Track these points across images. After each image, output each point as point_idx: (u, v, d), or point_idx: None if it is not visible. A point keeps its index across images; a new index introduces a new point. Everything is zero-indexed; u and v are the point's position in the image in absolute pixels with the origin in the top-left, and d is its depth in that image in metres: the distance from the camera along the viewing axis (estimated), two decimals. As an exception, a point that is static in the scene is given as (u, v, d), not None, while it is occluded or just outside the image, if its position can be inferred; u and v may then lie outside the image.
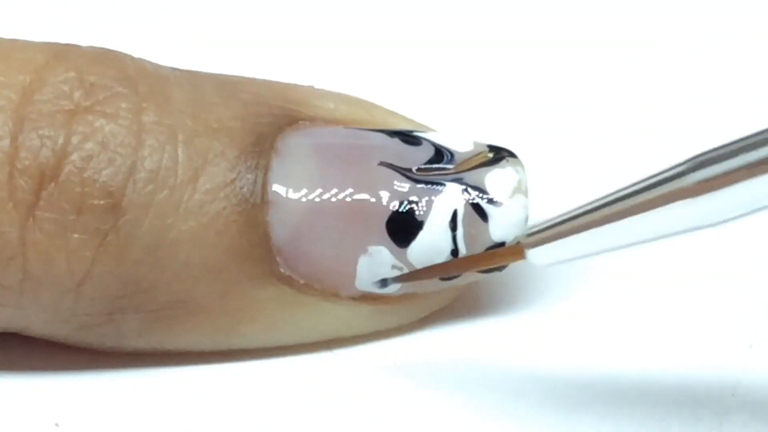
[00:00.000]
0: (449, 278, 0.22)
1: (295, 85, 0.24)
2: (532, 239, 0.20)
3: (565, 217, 0.19)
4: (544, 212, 0.23)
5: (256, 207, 0.22)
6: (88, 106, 0.21)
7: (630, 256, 0.24)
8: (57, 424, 0.21)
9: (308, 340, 0.23)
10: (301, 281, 0.22)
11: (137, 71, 0.22)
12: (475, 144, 0.23)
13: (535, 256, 0.20)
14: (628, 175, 0.26)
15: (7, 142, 0.21)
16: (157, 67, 0.23)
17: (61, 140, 0.21)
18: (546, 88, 0.29)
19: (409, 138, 0.23)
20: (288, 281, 0.22)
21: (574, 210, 0.19)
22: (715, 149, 0.18)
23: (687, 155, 0.18)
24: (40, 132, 0.21)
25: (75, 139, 0.21)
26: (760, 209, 0.17)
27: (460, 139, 0.23)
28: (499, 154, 0.23)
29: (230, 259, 0.22)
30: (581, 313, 0.24)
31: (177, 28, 0.32)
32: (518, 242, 0.21)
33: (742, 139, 0.17)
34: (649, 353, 0.23)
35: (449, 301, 0.23)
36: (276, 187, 0.22)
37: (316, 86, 0.24)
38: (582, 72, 0.30)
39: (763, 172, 0.17)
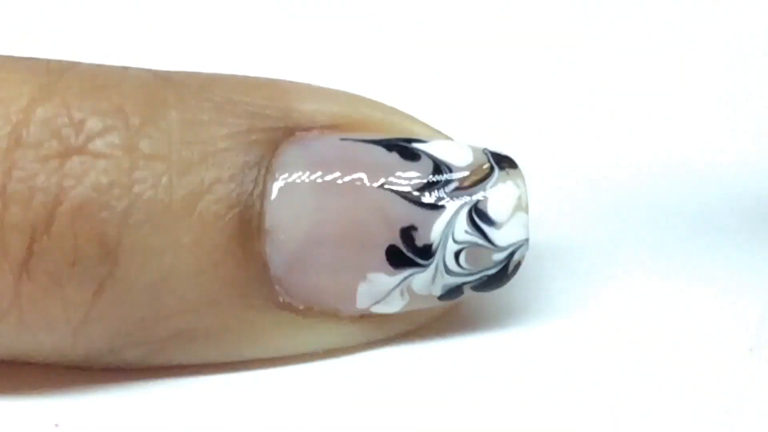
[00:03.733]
0: (449, 297, 0.22)
1: (289, 85, 0.23)
2: None
3: None
4: (544, 213, 0.23)
5: (253, 237, 0.21)
6: (78, 147, 0.20)
7: (629, 259, 0.24)
8: (57, 425, 0.22)
9: (307, 352, 0.23)
10: (301, 306, 0.22)
11: (127, 99, 0.21)
12: (474, 153, 0.22)
13: None
14: (627, 175, 0.26)
15: None
16: (146, 85, 0.22)
17: (52, 189, 0.20)
18: (545, 88, 0.28)
19: (407, 151, 0.22)
20: (287, 307, 0.22)
21: None
22: None
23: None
24: (29, 183, 0.20)
25: (66, 185, 0.20)
26: None
27: (459, 149, 0.22)
28: (499, 165, 0.22)
29: (229, 290, 0.21)
30: (580, 313, 0.24)
31: (175, 25, 0.30)
32: None
33: None
34: (648, 357, 0.23)
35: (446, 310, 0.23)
36: (273, 217, 0.21)
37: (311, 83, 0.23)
38: (582, 72, 0.29)
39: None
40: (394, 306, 0.22)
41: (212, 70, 0.23)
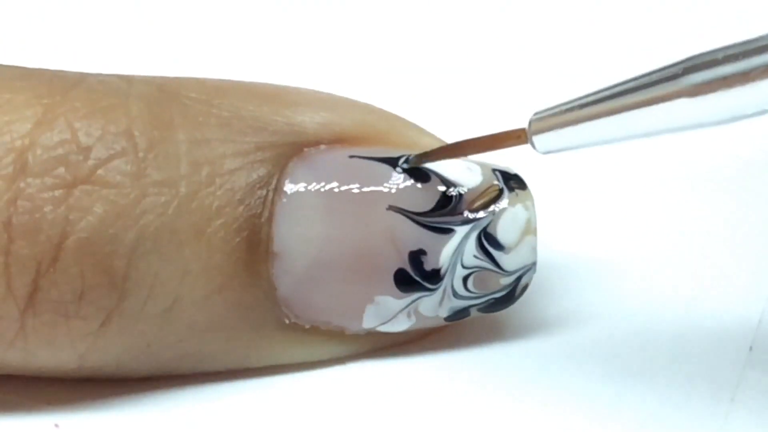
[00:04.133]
0: (455, 318, 0.22)
1: (296, 95, 0.22)
2: (535, 126, 0.20)
3: (568, 106, 0.20)
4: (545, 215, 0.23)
5: (261, 260, 0.21)
6: (85, 176, 0.20)
7: (628, 256, 0.24)
8: (57, 425, 0.22)
9: (311, 361, 0.23)
10: (307, 326, 0.22)
11: (134, 121, 0.20)
12: (483, 173, 0.22)
13: (538, 142, 0.20)
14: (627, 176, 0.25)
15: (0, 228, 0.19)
16: (152, 103, 0.21)
17: (58, 221, 0.20)
18: (545, 88, 0.28)
19: (416, 172, 0.22)
20: (294, 327, 0.22)
21: (577, 99, 0.20)
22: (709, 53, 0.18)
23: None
24: (35, 215, 0.20)
25: (73, 217, 0.20)
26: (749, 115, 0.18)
27: (468, 169, 0.22)
28: (508, 186, 0.22)
29: (236, 313, 0.21)
30: (578, 311, 0.24)
31: (176, 26, 0.29)
32: (522, 128, 0.21)
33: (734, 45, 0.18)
34: (649, 356, 0.23)
35: None
36: (281, 241, 0.21)
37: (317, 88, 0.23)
38: (581, 73, 0.28)
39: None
40: (400, 326, 0.22)
41: (216, 72, 0.22)
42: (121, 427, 0.22)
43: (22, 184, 0.20)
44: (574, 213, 0.26)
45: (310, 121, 0.22)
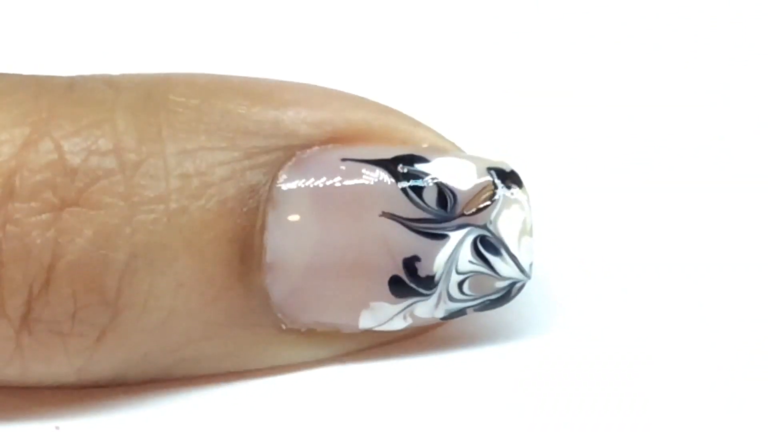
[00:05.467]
0: (451, 317, 0.22)
1: (288, 93, 0.22)
2: None
3: None
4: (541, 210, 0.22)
5: (254, 270, 0.21)
6: (73, 198, 0.20)
7: (629, 252, 0.24)
8: (57, 427, 0.22)
9: (308, 361, 0.23)
10: (303, 329, 0.22)
11: (122, 137, 0.20)
12: (479, 172, 0.22)
13: None
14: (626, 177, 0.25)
15: None
16: (140, 115, 0.21)
17: (48, 245, 0.20)
18: (545, 91, 0.27)
19: (410, 175, 0.22)
20: (290, 332, 0.22)
21: None
22: None
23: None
24: (25, 240, 0.20)
25: (63, 241, 0.20)
26: None
27: (463, 169, 0.22)
28: (504, 184, 0.22)
29: (231, 321, 0.21)
30: (576, 310, 0.24)
31: (170, 22, 0.28)
32: None
33: None
34: (649, 355, 0.23)
35: None
36: (274, 250, 0.21)
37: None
38: (581, 75, 0.28)
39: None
40: (396, 326, 0.22)
41: (209, 62, 0.22)
42: (121, 428, 0.22)
43: (10, 208, 0.20)
44: (570, 209, 0.26)
45: (301, 122, 0.22)
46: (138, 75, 0.22)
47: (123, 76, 0.22)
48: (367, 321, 0.22)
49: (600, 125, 0.27)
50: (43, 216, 0.20)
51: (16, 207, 0.20)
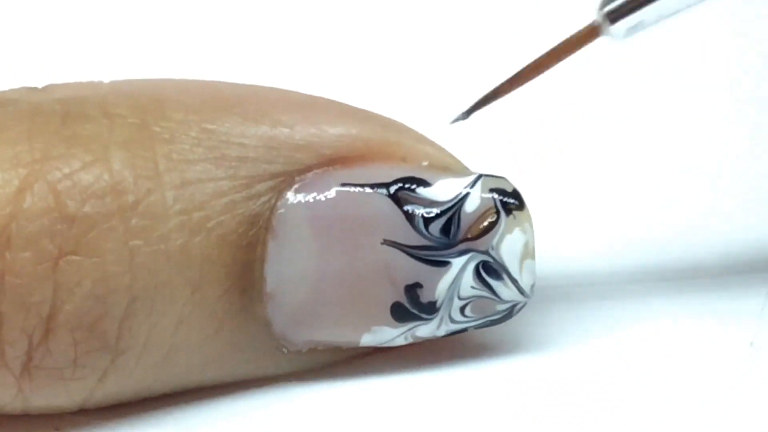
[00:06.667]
0: (452, 335, 0.22)
1: (283, 106, 0.21)
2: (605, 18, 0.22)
3: None
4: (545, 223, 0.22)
5: (255, 301, 0.21)
6: (71, 248, 0.19)
7: (629, 252, 0.24)
8: (57, 429, 0.22)
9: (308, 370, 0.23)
10: (305, 350, 0.22)
11: (118, 176, 0.20)
12: (482, 195, 0.21)
13: (614, 30, 0.22)
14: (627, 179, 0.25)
15: None
16: (136, 148, 0.20)
17: (47, 297, 0.19)
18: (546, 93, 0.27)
19: (411, 200, 0.21)
20: (291, 354, 0.22)
21: None
22: None
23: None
24: (24, 291, 0.19)
25: (62, 292, 0.19)
26: None
27: (465, 192, 0.21)
28: (505, 208, 0.21)
29: (233, 350, 0.21)
30: (575, 309, 0.24)
31: (172, 29, 0.27)
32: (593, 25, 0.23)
33: None
34: (649, 353, 0.23)
35: None
36: (274, 281, 0.21)
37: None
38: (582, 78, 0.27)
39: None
40: (397, 344, 0.22)
41: (209, 67, 0.21)
42: (121, 430, 0.22)
43: (8, 257, 0.19)
44: (570, 220, 0.25)
45: (299, 146, 0.21)
46: (130, 91, 0.21)
47: (117, 93, 0.21)
48: (368, 341, 0.22)
49: (600, 140, 0.27)
50: (41, 267, 0.19)
51: (14, 257, 0.19)
